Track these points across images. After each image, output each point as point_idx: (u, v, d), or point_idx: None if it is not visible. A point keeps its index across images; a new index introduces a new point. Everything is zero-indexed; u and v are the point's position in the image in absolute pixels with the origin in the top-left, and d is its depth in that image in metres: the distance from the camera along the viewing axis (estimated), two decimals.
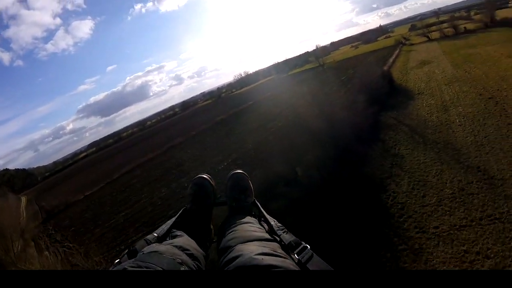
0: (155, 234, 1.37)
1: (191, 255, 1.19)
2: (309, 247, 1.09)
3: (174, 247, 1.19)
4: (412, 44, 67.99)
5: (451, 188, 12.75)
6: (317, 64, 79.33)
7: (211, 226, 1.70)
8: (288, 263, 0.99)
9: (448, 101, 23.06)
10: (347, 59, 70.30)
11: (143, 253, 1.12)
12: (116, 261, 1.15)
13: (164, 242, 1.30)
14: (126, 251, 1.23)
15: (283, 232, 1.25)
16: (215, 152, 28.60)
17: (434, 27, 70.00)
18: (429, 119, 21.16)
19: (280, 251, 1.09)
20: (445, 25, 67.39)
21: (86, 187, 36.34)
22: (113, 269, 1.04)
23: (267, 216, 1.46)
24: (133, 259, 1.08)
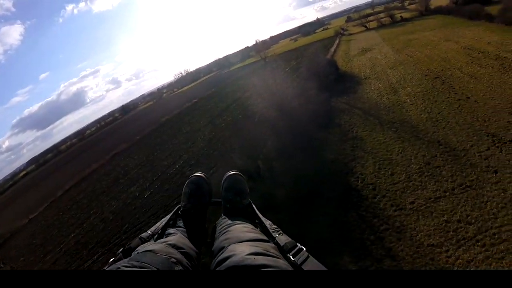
0: (149, 232, 1.45)
1: (185, 254, 1.24)
2: (304, 249, 1.13)
3: (168, 246, 1.24)
4: (350, 34, 73.11)
5: (417, 163, 13.25)
6: (259, 58, 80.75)
7: (206, 226, 1.71)
8: (280, 263, 1.03)
9: (396, 83, 24.81)
10: (289, 51, 73.68)
11: (137, 252, 1.18)
12: (111, 260, 1.22)
13: (158, 241, 1.35)
14: (121, 250, 1.30)
15: (278, 234, 1.31)
16: (164, 155, 28.20)
17: (371, 17, 76.15)
18: (381, 101, 22.37)
19: (272, 251, 1.14)
20: (382, 14, 73.87)
21: (30, 209, 35.19)
22: (108, 269, 1.08)
23: (262, 218, 1.52)
24: (127, 258, 1.14)
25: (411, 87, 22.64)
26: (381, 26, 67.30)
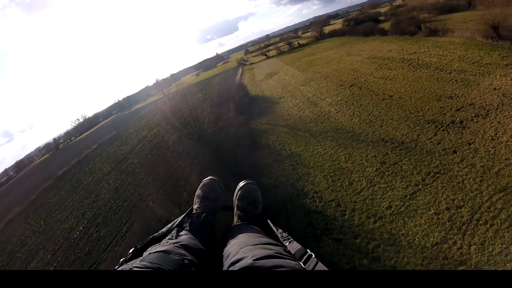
0: (161, 232, 1.58)
1: (196, 255, 1.35)
2: (314, 255, 1.21)
3: (180, 247, 1.35)
4: (252, 63, 78.74)
5: (371, 165, 13.04)
6: (162, 95, 79.44)
7: (216, 230, 1.81)
8: (293, 264, 1.13)
9: (313, 97, 26.23)
10: (193, 85, 74.46)
11: (149, 253, 1.29)
12: (122, 259, 1.29)
13: (170, 242, 1.44)
14: (132, 249, 1.38)
15: (289, 242, 1.41)
16: (64, 216, 25.91)
17: (271, 47, 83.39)
18: (304, 115, 22.96)
19: (285, 254, 1.26)
20: (281, 43, 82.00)
21: None
22: (120, 269, 1.16)
23: (273, 227, 1.63)
24: (139, 259, 1.24)
25: (330, 97, 24.07)
26: (281, 53, 74.45)
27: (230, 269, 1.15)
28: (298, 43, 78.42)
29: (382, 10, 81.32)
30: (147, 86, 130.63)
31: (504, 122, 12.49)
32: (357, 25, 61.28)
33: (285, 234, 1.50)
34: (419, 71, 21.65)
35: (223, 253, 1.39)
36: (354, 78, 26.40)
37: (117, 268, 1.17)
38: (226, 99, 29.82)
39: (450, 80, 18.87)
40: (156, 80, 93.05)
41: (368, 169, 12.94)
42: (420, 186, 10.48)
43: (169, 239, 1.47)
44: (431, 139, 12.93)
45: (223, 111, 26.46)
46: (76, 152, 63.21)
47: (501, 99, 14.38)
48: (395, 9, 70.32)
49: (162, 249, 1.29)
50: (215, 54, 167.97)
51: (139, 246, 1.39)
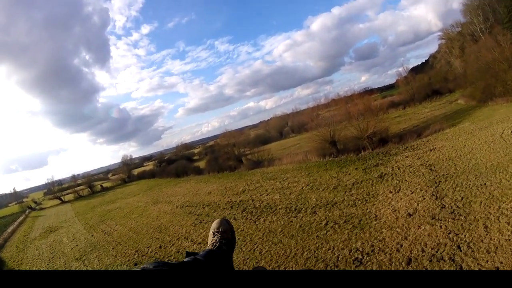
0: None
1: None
2: None
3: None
4: (42, 209, 60.89)
5: None
6: None
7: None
8: None
9: None
10: None
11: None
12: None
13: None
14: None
15: None
16: None
17: (69, 190, 70.24)
18: None
19: None
20: (81, 186, 69.40)
21: None
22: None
23: None
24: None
25: None
26: (79, 197, 62.00)
27: None
28: (101, 185, 68.71)
29: (196, 150, 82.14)
30: None
31: None
32: (170, 164, 57.54)
33: None
34: (271, 221, 15.09)
35: None
36: (160, 247, 15.55)
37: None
38: None
39: (333, 225, 12.62)
40: None
41: None
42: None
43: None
44: None
45: None
46: None
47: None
48: (208, 148, 70.01)
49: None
50: (13, 190, 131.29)
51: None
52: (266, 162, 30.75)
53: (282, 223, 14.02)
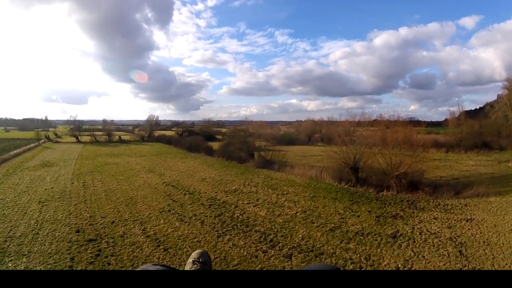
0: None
1: None
2: None
3: None
4: (58, 142, 62.23)
5: None
6: None
7: None
8: None
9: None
10: None
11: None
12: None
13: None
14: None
15: None
16: None
17: (87, 132, 70.30)
18: None
19: None
20: (101, 132, 69.53)
21: None
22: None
23: None
24: None
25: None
26: (95, 141, 62.06)
27: None
28: (120, 137, 68.46)
29: (224, 130, 77.15)
30: None
31: None
32: (190, 136, 56.14)
33: None
34: (236, 244, 11.82)
35: None
36: (112, 223, 13.73)
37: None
38: None
39: None
40: None
41: None
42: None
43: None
44: None
45: None
46: None
47: None
48: (235, 132, 67.96)
49: None
50: (43, 118, 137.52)
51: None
52: (277, 165, 27.86)
53: (245, 253, 10.86)
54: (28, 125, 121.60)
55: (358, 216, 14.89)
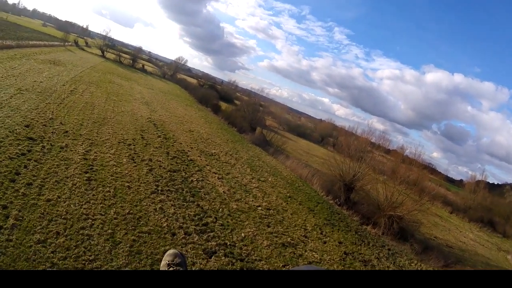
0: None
1: None
2: None
3: None
4: (82, 50, 63.22)
5: None
6: None
7: None
8: None
9: None
10: None
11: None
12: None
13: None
14: None
15: None
16: None
17: (116, 52, 68.42)
18: None
19: None
20: (125, 55, 68.24)
21: None
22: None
23: None
24: None
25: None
26: (118, 62, 60.99)
27: None
28: (143, 65, 67.81)
29: (246, 97, 76.66)
30: None
31: None
32: (208, 88, 56.17)
33: None
34: (172, 213, 9.95)
35: None
36: (66, 132, 12.38)
37: None
38: None
39: None
40: None
41: None
42: None
43: None
44: None
45: None
46: None
47: None
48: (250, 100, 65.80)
49: None
50: (85, 26, 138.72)
51: None
52: (273, 149, 26.49)
53: (164, 225, 8.67)
54: (67, 27, 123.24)
55: (325, 242, 12.24)
